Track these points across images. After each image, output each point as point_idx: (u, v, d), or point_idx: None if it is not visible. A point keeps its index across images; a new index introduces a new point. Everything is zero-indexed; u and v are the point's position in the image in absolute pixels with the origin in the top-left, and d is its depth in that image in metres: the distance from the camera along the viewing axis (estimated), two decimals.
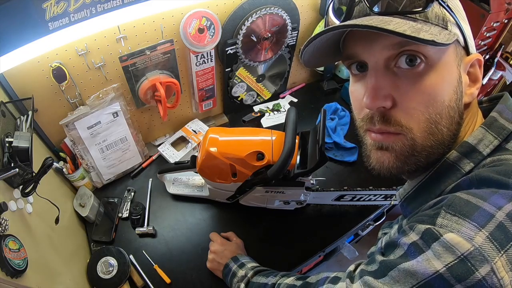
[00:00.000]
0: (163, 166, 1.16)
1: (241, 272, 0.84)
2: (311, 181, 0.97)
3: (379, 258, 0.44)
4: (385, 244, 0.46)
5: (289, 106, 1.48)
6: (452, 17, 0.44)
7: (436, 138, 0.45)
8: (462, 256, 0.34)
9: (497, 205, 0.35)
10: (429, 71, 0.42)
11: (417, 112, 0.43)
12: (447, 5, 0.44)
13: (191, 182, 1.13)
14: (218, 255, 0.94)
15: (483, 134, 0.45)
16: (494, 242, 0.34)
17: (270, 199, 1.01)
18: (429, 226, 0.38)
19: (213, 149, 0.88)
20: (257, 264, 0.87)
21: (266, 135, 0.91)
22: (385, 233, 0.70)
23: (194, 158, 0.98)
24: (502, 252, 0.33)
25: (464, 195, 0.38)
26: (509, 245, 0.34)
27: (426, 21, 0.42)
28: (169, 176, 1.13)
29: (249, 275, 0.82)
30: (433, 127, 0.44)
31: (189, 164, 0.99)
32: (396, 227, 0.66)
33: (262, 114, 1.08)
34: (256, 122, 1.07)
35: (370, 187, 1.00)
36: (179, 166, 1.04)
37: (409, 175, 0.53)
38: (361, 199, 1.04)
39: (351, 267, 0.53)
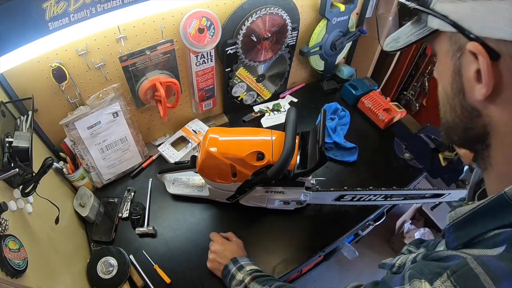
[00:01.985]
0: (163, 166, 1.16)
1: (239, 276, 0.84)
2: (311, 181, 0.97)
3: None
4: (386, 277, 0.46)
5: (289, 106, 1.48)
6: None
7: (452, 128, 0.43)
8: None
9: None
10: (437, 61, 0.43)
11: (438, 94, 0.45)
12: None
13: (191, 182, 1.13)
14: (218, 255, 0.94)
15: None
16: None
17: (270, 199, 1.01)
18: None
19: (213, 149, 0.88)
20: (256, 267, 0.87)
21: (266, 135, 0.91)
22: (410, 251, 0.68)
23: (194, 158, 0.98)
24: None
25: (477, 266, 0.32)
26: None
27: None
28: (169, 176, 1.13)
29: (246, 281, 0.82)
30: (443, 114, 0.44)
31: (189, 164, 0.99)
32: (422, 251, 0.61)
33: (262, 114, 1.08)
34: (256, 122, 1.07)
35: (370, 187, 1.00)
36: (179, 166, 1.04)
37: (462, 146, 0.50)
38: (361, 199, 1.04)
39: None
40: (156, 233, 1.06)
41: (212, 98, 1.28)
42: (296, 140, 0.85)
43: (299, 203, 1.04)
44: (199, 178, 1.13)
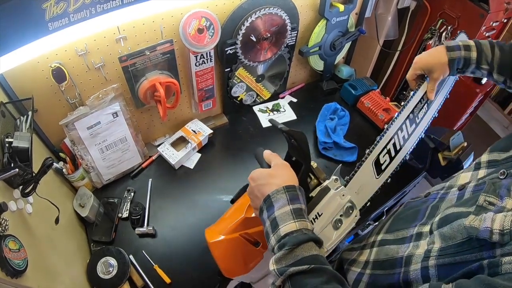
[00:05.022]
0: None
1: (273, 255, 0.53)
2: None
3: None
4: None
5: (288, 106, 1.48)
6: None
7: None
8: None
9: None
10: None
11: None
12: None
13: None
14: (254, 181, 0.63)
15: None
16: None
17: None
18: None
19: (215, 238, 0.76)
20: (295, 228, 0.54)
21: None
22: (490, 203, 0.48)
23: None
24: None
25: None
26: None
27: None
28: None
29: (278, 282, 0.51)
30: None
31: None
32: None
33: None
34: None
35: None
36: None
37: None
38: None
39: None
40: (156, 233, 1.06)
41: (212, 98, 1.28)
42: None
43: None
44: None
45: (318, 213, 0.65)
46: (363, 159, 0.78)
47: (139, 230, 1.04)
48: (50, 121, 0.99)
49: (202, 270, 0.98)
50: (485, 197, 0.48)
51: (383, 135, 0.79)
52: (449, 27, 1.50)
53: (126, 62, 0.97)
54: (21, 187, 0.75)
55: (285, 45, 1.27)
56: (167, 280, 0.95)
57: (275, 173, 0.62)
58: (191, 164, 1.25)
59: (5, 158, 0.73)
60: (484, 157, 0.62)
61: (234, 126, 1.40)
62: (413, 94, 0.82)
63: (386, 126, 0.81)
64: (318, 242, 0.54)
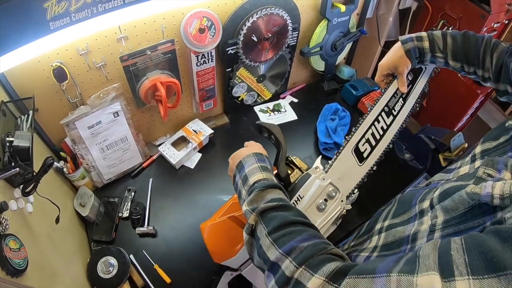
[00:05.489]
0: None
1: (244, 203, 0.59)
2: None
3: None
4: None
5: (289, 106, 1.48)
6: None
7: None
8: None
9: None
10: None
11: None
12: None
13: None
14: (232, 159, 0.72)
15: None
16: None
17: None
18: None
19: (206, 223, 0.82)
20: (262, 176, 0.61)
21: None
22: (489, 175, 0.51)
23: None
24: None
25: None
26: None
27: None
28: None
29: (250, 220, 0.55)
30: None
31: None
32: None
33: None
34: None
35: None
36: None
37: None
38: None
39: None
40: (156, 233, 1.06)
41: (213, 98, 1.28)
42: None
43: None
44: None
45: (299, 195, 0.72)
46: (340, 148, 0.82)
47: (139, 229, 1.04)
48: (51, 120, 0.99)
49: (202, 270, 0.97)
50: (484, 169, 0.51)
51: (358, 126, 0.84)
52: (450, 28, 1.49)
53: (127, 61, 0.97)
54: (21, 186, 0.75)
55: (286, 45, 1.27)
56: (167, 279, 0.95)
57: (247, 148, 0.72)
58: (191, 164, 1.25)
59: (5, 157, 0.73)
60: (478, 149, 0.65)
61: (235, 126, 1.40)
62: (384, 91, 0.89)
63: (360, 118, 0.86)
64: (285, 193, 0.60)
